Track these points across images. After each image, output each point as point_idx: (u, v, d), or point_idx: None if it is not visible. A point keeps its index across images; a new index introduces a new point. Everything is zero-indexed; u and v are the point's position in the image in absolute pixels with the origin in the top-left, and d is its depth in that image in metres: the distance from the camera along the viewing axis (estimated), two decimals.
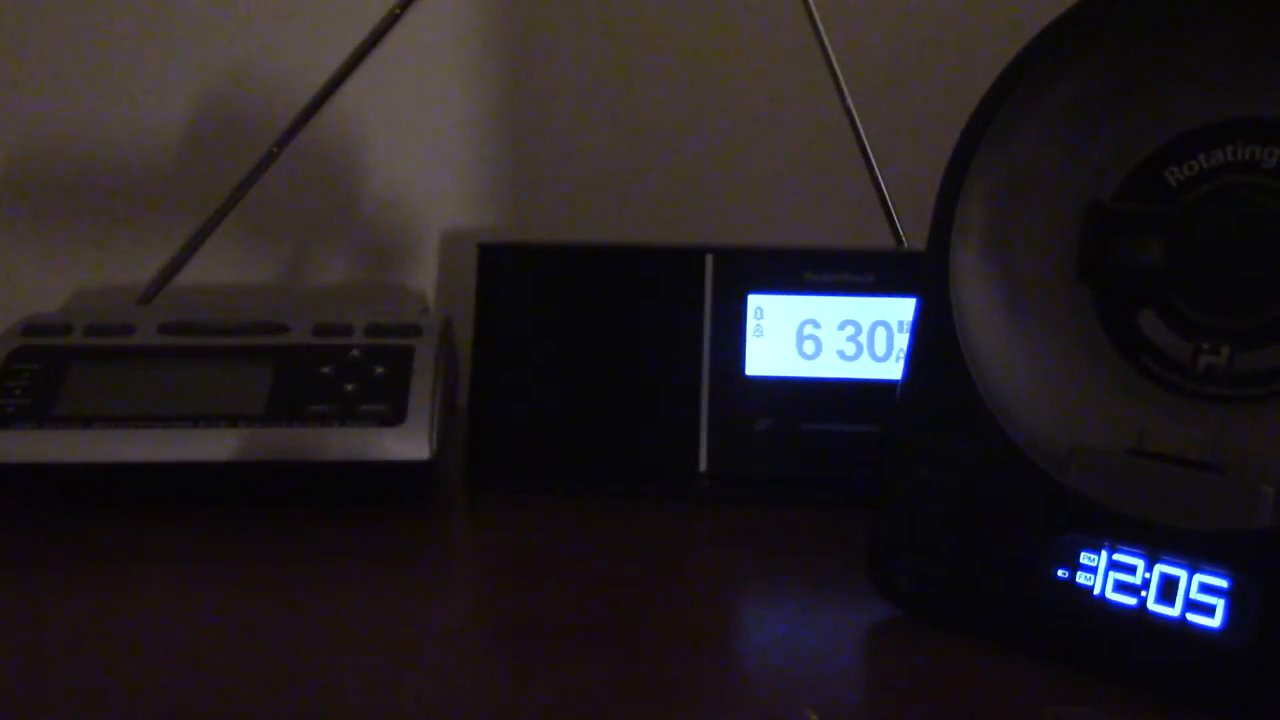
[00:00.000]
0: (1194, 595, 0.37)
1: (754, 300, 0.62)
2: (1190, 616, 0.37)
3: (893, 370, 0.60)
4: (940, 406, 0.44)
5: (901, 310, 0.61)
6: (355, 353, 0.59)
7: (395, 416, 0.56)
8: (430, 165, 0.80)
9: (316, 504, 0.56)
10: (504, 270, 0.64)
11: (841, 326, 0.61)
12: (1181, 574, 0.38)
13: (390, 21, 0.68)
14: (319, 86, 0.68)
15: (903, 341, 0.61)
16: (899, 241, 0.70)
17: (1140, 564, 0.39)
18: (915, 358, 0.45)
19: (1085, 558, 0.40)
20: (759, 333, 0.62)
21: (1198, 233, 0.40)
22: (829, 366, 0.61)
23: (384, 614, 0.46)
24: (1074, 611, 0.40)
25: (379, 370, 0.58)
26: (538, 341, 0.63)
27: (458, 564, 0.52)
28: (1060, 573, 0.40)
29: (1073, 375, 0.43)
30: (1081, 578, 0.40)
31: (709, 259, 0.62)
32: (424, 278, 0.82)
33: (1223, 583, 0.37)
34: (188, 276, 0.71)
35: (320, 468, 0.56)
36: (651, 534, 0.55)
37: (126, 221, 0.79)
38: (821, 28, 0.69)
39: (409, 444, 0.55)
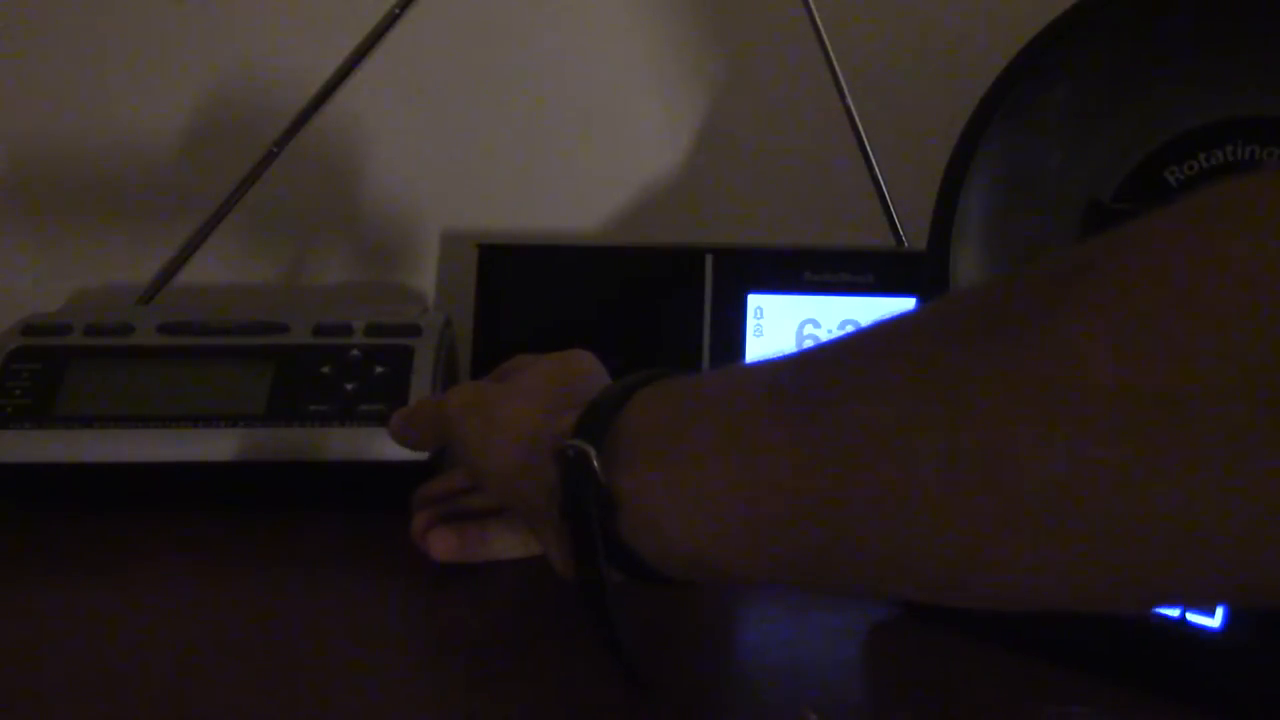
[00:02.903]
0: None
1: (754, 300, 0.62)
2: (1190, 616, 0.37)
3: None
4: None
5: (901, 310, 0.61)
6: (355, 353, 0.59)
7: None
8: (430, 165, 0.80)
9: (316, 504, 0.56)
10: (504, 270, 0.64)
11: (841, 326, 0.61)
12: None
13: (390, 21, 0.68)
14: (319, 86, 0.68)
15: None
16: (899, 241, 0.70)
17: None
18: None
19: None
20: (759, 333, 0.62)
21: None
22: None
23: (384, 614, 0.46)
24: (1074, 612, 0.40)
25: (379, 370, 0.58)
26: (538, 341, 0.62)
27: (458, 564, 0.52)
28: None
29: None
30: None
31: (709, 259, 0.62)
32: (424, 278, 0.82)
33: None
34: (188, 276, 0.71)
35: (320, 468, 0.56)
36: None
37: (126, 221, 0.79)
38: (821, 28, 0.69)
39: None
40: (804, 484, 0.30)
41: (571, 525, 0.35)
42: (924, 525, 0.27)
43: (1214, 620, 0.37)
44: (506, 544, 0.47)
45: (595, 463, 0.34)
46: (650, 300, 0.62)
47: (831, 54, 0.69)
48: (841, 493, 0.29)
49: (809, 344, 0.61)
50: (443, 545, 0.47)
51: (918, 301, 0.46)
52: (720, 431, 0.33)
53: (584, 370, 0.43)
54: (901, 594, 0.32)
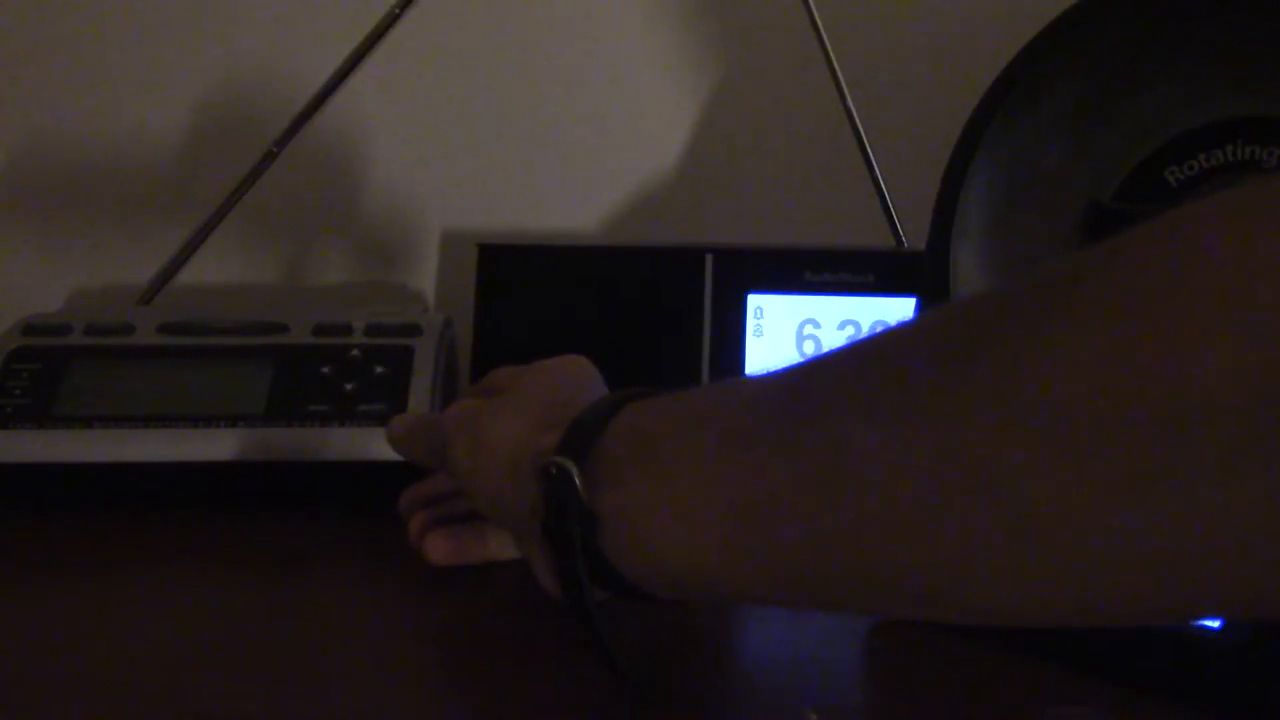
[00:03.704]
0: None
1: (754, 300, 0.62)
2: None
3: None
4: None
5: (901, 310, 0.61)
6: (355, 353, 0.59)
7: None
8: (430, 165, 0.80)
9: (316, 504, 0.56)
10: (504, 270, 0.64)
11: (841, 326, 0.61)
12: None
13: (390, 21, 0.68)
14: (319, 86, 0.68)
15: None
16: (899, 241, 0.70)
17: None
18: None
19: None
20: (759, 333, 0.62)
21: None
22: None
23: (383, 614, 0.45)
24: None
25: (379, 370, 0.58)
26: (538, 341, 0.62)
27: (456, 565, 0.52)
28: None
29: None
30: None
31: (709, 259, 0.62)
32: (424, 278, 0.82)
33: None
34: (188, 276, 0.71)
35: (320, 468, 0.56)
36: None
37: (126, 221, 0.79)
38: (822, 28, 0.69)
39: None
40: (789, 503, 0.29)
41: (554, 544, 0.35)
42: (912, 544, 0.27)
43: (1214, 620, 0.37)
44: (503, 545, 0.47)
45: (577, 481, 0.34)
46: (650, 300, 0.62)
47: (831, 54, 0.69)
48: (827, 512, 0.29)
49: (809, 345, 0.62)
50: (440, 549, 0.47)
51: (917, 301, 0.46)
52: (705, 448, 0.33)
53: (577, 381, 0.43)
54: (891, 612, 0.32)
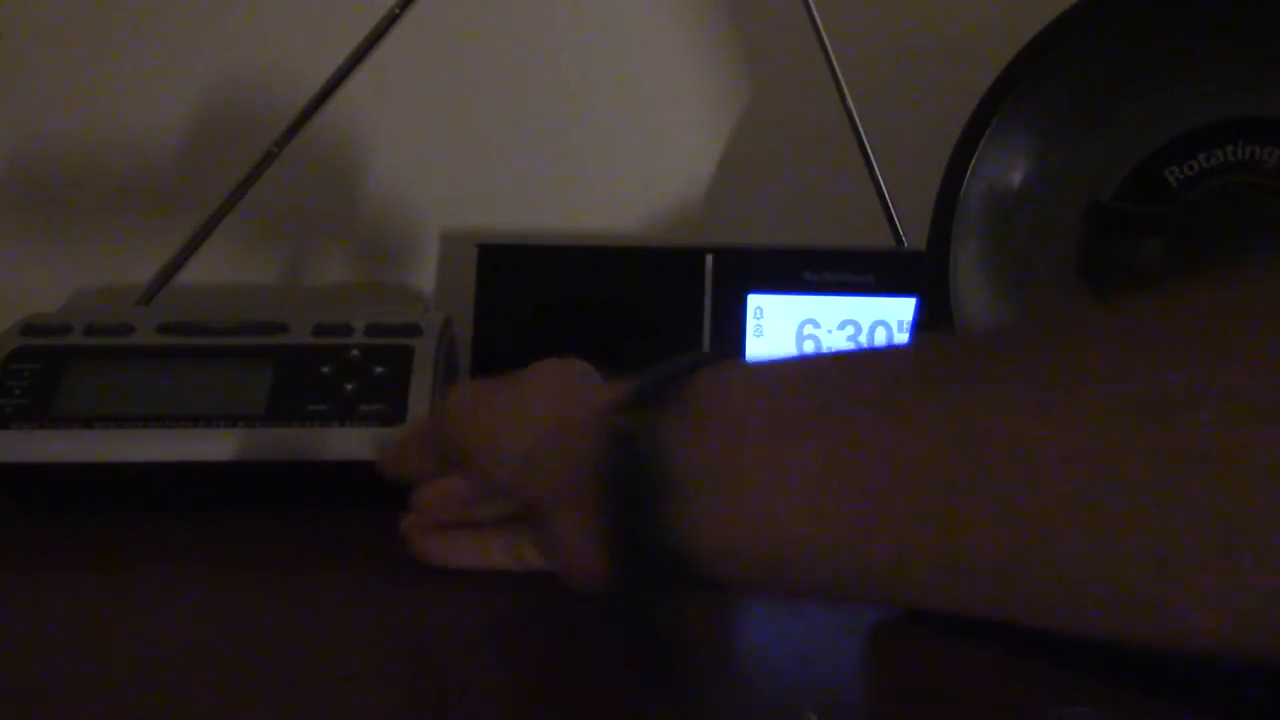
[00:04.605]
0: None
1: (754, 300, 0.62)
2: None
3: None
4: None
5: (901, 310, 0.61)
6: (355, 353, 0.59)
7: (395, 416, 0.56)
8: (430, 165, 0.80)
9: (316, 504, 0.56)
10: (504, 270, 0.64)
11: (841, 326, 0.61)
12: None
13: (390, 21, 0.68)
14: (319, 86, 0.68)
15: (903, 341, 0.61)
16: (899, 241, 0.70)
17: None
18: None
19: None
20: (759, 333, 0.62)
21: (1198, 232, 0.40)
22: None
23: (383, 614, 0.45)
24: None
25: (379, 370, 0.58)
26: (538, 341, 0.62)
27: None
28: None
29: None
30: None
31: (709, 259, 0.62)
32: (424, 278, 0.82)
33: None
34: (188, 276, 0.71)
35: (320, 468, 0.56)
36: None
37: (126, 221, 0.79)
38: (822, 28, 0.69)
39: None
40: (937, 489, 0.26)
41: (615, 514, 0.31)
42: (1122, 534, 0.24)
43: None
44: (499, 554, 0.46)
45: (656, 438, 0.30)
46: (650, 300, 0.62)
47: (832, 55, 0.69)
48: (999, 485, 0.25)
49: (809, 344, 0.62)
50: (431, 551, 0.46)
51: (917, 301, 0.46)
52: (825, 411, 0.28)
53: (585, 371, 0.43)
54: (1034, 621, 0.29)
